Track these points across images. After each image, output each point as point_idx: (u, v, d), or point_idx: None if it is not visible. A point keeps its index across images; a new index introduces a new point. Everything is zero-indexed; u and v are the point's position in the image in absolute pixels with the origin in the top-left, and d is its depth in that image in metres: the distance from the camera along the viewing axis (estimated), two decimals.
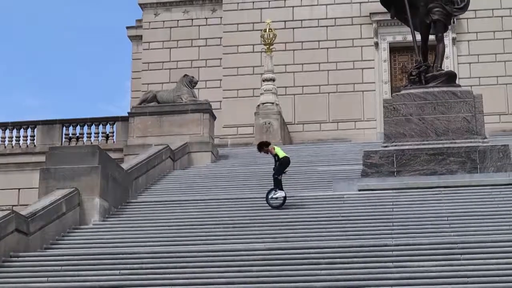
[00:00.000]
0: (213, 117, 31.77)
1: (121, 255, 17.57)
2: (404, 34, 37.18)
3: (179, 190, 25.26)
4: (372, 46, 39.55)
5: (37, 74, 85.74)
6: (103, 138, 32.74)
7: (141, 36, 43.20)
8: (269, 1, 40.82)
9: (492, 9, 39.22)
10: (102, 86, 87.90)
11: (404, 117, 23.93)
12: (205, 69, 40.93)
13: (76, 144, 32.15)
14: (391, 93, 35.60)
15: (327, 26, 40.03)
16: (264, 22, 37.89)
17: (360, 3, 40.00)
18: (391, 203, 20.73)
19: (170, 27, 42.09)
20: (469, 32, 39.18)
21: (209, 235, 19.00)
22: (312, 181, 24.88)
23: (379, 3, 26.60)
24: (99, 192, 21.10)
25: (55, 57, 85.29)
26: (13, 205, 28.84)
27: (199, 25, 41.93)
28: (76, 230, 20.32)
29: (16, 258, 17.76)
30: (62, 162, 21.43)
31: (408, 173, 22.97)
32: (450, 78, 24.71)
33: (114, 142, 32.57)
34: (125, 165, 24.87)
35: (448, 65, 36.85)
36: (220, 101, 39.46)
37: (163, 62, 41.56)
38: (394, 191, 21.88)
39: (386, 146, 23.77)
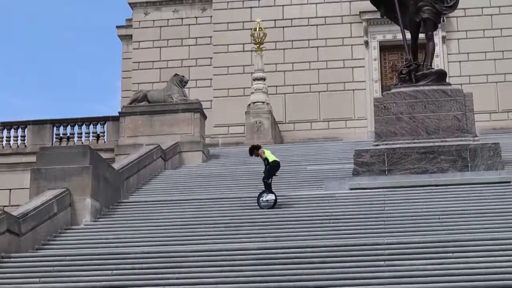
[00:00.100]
0: (204, 117, 31.74)
1: (113, 255, 17.57)
2: (394, 33, 37.15)
3: (170, 189, 25.24)
4: (362, 45, 39.58)
5: (27, 74, 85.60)
6: (94, 138, 32.62)
7: (131, 35, 43.15)
8: (259, 0, 40.80)
9: (482, 8, 39.29)
10: (92, 86, 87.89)
11: (394, 115, 23.96)
12: (195, 68, 40.91)
13: (67, 144, 32.04)
14: (382, 92, 35.70)
15: (317, 25, 40.03)
16: (254, 21, 37.89)
17: (350, 1, 40.02)
18: (383, 201, 20.76)
19: (160, 27, 42.06)
20: (459, 31, 39.24)
21: (201, 234, 19.00)
22: (303, 180, 24.85)
23: (369, 2, 26.68)
24: (91, 192, 21.08)
25: (46, 57, 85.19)
26: (4, 206, 28.83)
27: (189, 24, 41.92)
28: (68, 231, 20.30)
29: (7, 259, 17.74)
30: (53, 163, 21.39)
31: (399, 172, 23.00)
32: (440, 76, 24.76)
33: (105, 142, 32.46)
34: (116, 165, 24.83)
35: (438, 63, 36.93)
36: (211, 101, 39.43)
37: (153, 61, 41.54)
38: (386, 189, 21.91)
39: (377, 145, 23.79)
